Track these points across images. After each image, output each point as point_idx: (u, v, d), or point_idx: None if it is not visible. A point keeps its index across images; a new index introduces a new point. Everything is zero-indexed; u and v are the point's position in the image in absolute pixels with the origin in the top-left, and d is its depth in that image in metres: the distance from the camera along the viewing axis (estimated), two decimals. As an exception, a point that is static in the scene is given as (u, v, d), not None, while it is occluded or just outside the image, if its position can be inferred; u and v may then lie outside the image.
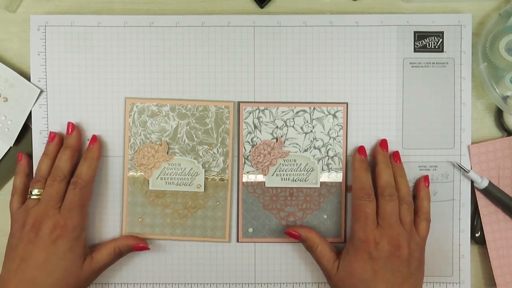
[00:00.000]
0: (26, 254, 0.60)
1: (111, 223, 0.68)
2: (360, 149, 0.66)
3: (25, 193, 0.64)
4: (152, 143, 0.67)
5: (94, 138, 0.66)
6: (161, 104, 0.67)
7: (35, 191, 0.62)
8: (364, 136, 0.67)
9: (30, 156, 0.67)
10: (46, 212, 0.61)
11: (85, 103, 0.67)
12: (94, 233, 0.67)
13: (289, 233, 0.65)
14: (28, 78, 0.67)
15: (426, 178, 0.66)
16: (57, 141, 0.65)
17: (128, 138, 0.67)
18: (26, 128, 0.67)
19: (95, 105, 0.67)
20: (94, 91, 0.67)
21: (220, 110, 0.66)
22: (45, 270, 0.59)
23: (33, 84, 0.66)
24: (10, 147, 0.67)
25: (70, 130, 0.65)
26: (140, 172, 0.67)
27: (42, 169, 0.64)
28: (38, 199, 0.62)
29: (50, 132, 0.66)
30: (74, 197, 0.62)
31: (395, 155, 0.66)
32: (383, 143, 0.66)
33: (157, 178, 0.66)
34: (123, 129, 0.67)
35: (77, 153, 0.65)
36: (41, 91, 0.66)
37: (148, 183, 0.67)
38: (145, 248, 0.65)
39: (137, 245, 0.64)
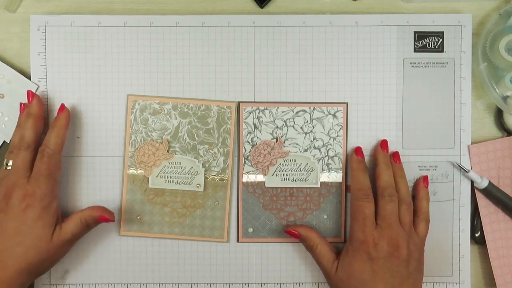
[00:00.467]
0: None
1: None
2: (357, 150, 0.66)
3: None
4: (153, 141, 0.66)
5: (62, 107, 0.65)
6: (163, 102, 0.67)
7: (9, 162, 0.62)
8: (364, 136, 0.67)
9: None
10: (15, 182, 0.61)
11: (85, 103, 0.67)
12: (92, 229, 0.66)
13: (289, 232, 0.65)
14: (28, 78, 0.67)
15: (425, 178, 0.66)
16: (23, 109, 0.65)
17: (129, 135, 0.67)
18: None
19: (95, 104, 0.67)
20: (94, 91, 0.67)
21: (222, 110, 0.66)
22: (15, 239, 0.59)
23: (30, 80, 0.67)
24: (5, 142, 0.67)
25: (30, 98, 0.64)
26: (140, 169, 0.67)
27: (14, 140, 0.63)
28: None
29: (20, 103, 0.65)
30: (41, 166, 0.61)
31: (395, 156, 0.66)
32: (383, 144, 0.66)
33: (157, 176, 0.66)
34: (124, 128, 0.67)
35: (41, 121, 0.64)
36: (38, 87, 0.66)
37: (148, 181, 0.67)
38: (109, 220, 0.63)
39: (101, 216, 0.63)
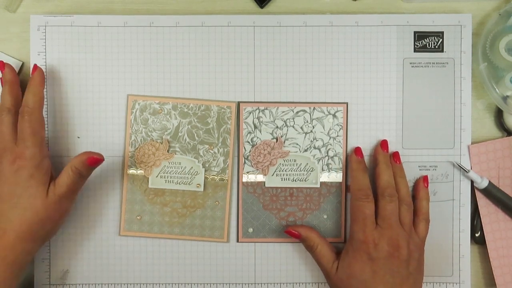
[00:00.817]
0: None
1: (110, 220, 0.68)
2: (357, 150, 0.66)
3: None
4: (153, 141, 0.66)
5: (35, 67, 0.64)
6: (163, 102, 0.66)
7: None
8: (364, 136, 0.67)
9: None
10: (3, 147, 0.60)
11: (85, 103, 0.67)
12: (92, 229, 0.67)
13: (289, 232, 0.65)
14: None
15: (425, 178, 0.66)
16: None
17: (129, 135, 0.66)
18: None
19: (95, 104, 0.67)
20: (94, 91, 0.67)
21: (222, 110, 0.66)
22: (11, 201, 0.59)
23: (14, 58, 0.67)
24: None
25: (2, 68, 0.64)
26: (140, 169, 0.67)
27: None
28: None
29: None
30: (24, 125, 0.60)
31: (395, 156, 0.66)
32: (383, 144, 0.66)
33: (156, 176, 0.66)
34: (124, 128, 0.67)
35: (16, 85, 0.64)
36: (23, 63, 0.67)
37: (148, 181, 0.66)
38: (98, 160, 0.61)
39: (89, 158, 0.61)
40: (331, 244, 0.65)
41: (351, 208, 0.64)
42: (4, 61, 0.64)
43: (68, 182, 0.61)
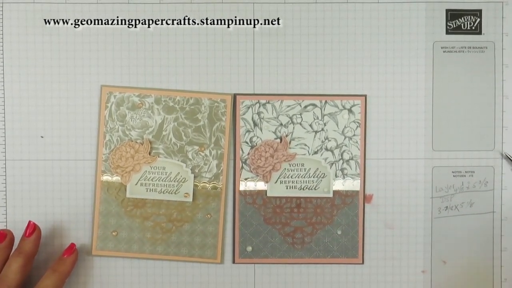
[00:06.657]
0: None
1: (80, 237, 0.63)
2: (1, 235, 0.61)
3: None
4: (132, 141, 0.63)
5: (72, 247, 0.61)
6: (144, 95, 0.63)
7: None
8: (386, 135, 0.63)
9: None
10: None
11: (50, 96, 0.63)
12: (58, 248, 0.63)
13: None
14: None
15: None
16: (8, 243, 0.59)
17: (103, 135, 0.63)
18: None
19: (62, 98, 0.63)
20: (61, 81, 0.63)
21: (215, 104, 0.63)
22: None
23: None
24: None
25: (29, 231, 0.60)
26: (116, 176, 0.63)
27: None
28: None
29: (0, 230, 0.60)
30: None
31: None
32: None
33: (136, 184, 0.63)
34: (96, 126, 0.63)
35: (32, 261, 0.59)
36: None
37: (125, 190, 0.63)
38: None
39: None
40: None
41: None
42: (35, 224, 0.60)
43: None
